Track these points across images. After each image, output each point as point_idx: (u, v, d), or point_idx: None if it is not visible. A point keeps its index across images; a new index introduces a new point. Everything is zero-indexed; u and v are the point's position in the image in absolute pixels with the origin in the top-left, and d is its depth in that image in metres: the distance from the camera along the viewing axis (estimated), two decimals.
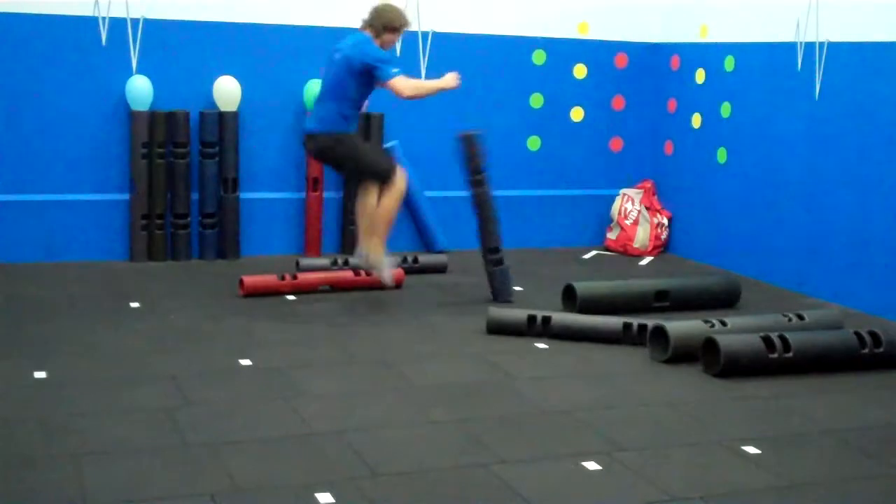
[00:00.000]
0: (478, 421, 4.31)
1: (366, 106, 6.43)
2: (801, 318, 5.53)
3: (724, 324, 5.34)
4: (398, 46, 7.67)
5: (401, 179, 6.00)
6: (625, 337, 5.50)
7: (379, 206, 5.98)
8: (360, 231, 6.15)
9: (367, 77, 5.83)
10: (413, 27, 7.69)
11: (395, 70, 5.70)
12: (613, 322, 5.60)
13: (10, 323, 5.49)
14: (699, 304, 6.28)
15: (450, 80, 5.99)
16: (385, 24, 5.83)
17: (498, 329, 5.66)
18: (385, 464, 3.81)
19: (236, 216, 7.33)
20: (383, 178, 5.98)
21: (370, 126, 7.55)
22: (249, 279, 6.27)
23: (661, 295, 6.23)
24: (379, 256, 6.04)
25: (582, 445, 4.09)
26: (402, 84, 5.75)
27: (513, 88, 8.09)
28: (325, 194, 7.48)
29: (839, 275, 6.67)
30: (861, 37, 6.51)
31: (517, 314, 5.71)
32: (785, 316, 5.56)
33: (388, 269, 6.15)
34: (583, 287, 6.13)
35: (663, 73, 8.37)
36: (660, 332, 5.28)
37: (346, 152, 5.94)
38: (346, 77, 5.80)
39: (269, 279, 6.36)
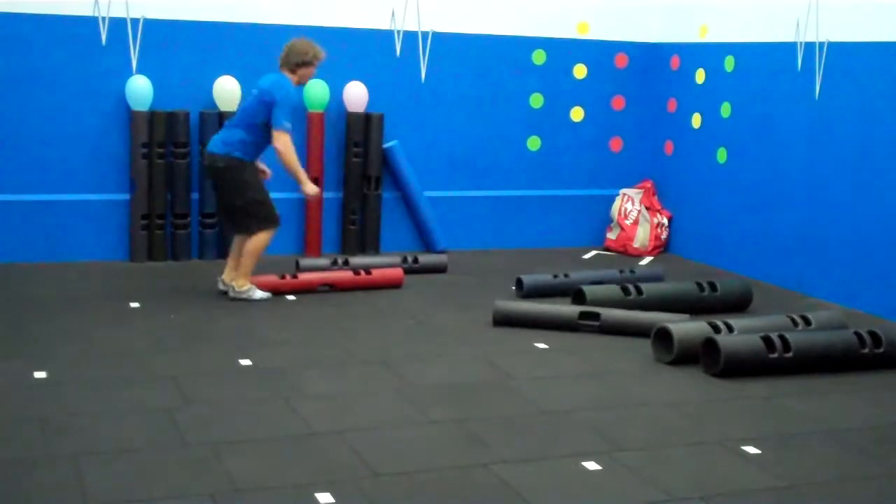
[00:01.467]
0: (478, 421, 4.31)
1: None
2: (807, 322, 5.52)
3: (730, 328, 5.33)
4: (398, 45, 7.69)
5: (271, 232, 6.18)
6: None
7: (249, 243, 6.12)
8: (227, 263, 6.32)
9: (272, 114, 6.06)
10: (413, 27, 7.73)
11: (286, 124, 5.98)
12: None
13: (10, 323, 5.49)
14: (711, 309, 6.21)
15: (311, 188, 6.29)
16: (297, 61, 6.09)
17: (506, 321, 5.78)
18: (385, 464, 3.81)
19: None
20: (263, 221, 6.14)
21: (370, 126, 7.56)
22: (253, 280, 6.27)
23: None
24: (245, 288, 6.17)
25: (582, 445, 4.09)
26: (281, 139, 5.99)
27: (513, 88, 8.09)
28: (325, 194, 7.48)
29: (839, 275, 6.67)
30: (861, 37, 6.51)
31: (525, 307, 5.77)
32: (790, 318, 5.55)
33: (258, 292, 6.22)
34: (589, 290, 6.15)
35: (663, 73, 8.37)
36: (664, 334, 5.28)
37: (241, 181, 6.09)
38: (258, 109, 6.03)
39: (271, 279, 6.36)
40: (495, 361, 5.16)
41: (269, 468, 3.74)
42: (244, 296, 6.15)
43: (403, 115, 7.78)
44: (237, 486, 3.56)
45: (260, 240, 6.13)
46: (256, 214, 6.13)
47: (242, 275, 6.16)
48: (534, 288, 6.51)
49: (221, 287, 6.27)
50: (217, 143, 6.12)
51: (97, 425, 4.07)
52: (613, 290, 6.19)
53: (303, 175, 6.24)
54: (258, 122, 6.03)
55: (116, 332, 5.40)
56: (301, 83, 6.23)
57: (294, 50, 6.11)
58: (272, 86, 6.03)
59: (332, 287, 6.51)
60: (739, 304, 6.36)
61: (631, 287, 6.19)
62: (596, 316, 5.74)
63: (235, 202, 6.14)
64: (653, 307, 6.00)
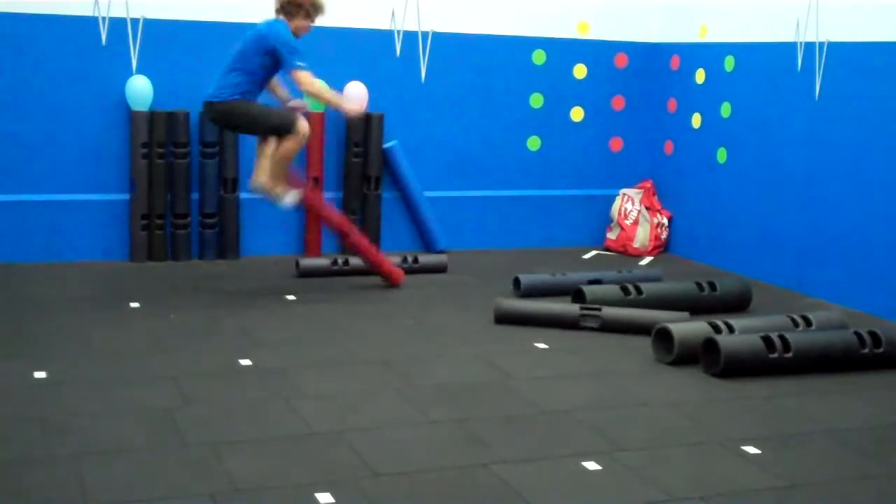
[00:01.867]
0: (478, 421, 4.31)
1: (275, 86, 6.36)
2: (807, 322, 5.52)
3: (730, 328, 5.33)
4: (398, 45, 7.69)
5: (303, 126, 6.05)
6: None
7: (279, 148, 6.06)
8: (256, 164, 6.24)
9: (272, 59, 5.95)
10: (413, 27, 7.73)
11: (300, 63, 5.82)
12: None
13: (10, 323, 5.49)
14: (710, 309, 6.23)
15: (352, 103, 6.23)
16: (300, 8, 5.91)
17: (507, 319, 5.80)
18: (385, 464, 3.81)
19: (236, 216, 7.34)
20: (284, 131, 6.04)
21: (370, 126, 7.56)
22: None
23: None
24: (277, 192, 6.18)
25: (582, 445, 4.09)
26: (304, 77, 5.86)
27: (513, 88, 8.10)
28: (325, 194, 7.48)
29: (839, 275, 6.67)
30: (861, 37, 6.51)
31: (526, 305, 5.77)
32: (790, 318, 5.55)
33: (289, 196, 6.23)
34: (590, 290, 6.16)
35: (663, 73, 8.38)
36: (664, 334, 5.28)
37: (242, 116, 6.04)
38: (253, 53, 5.92)
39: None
40: (495, 361, 5.16)
41: (269, 468, 3.74)
42: (275, 200, 6.21)
43: (403, 115, 7.78)
44: (237, 486, 3.57)
45: (286, 148, 6.04)
46: (282, 125, 6.02)
47: (276, 181, 6.14)
48: (531, 287, 6.51)
49: (256, 186, 6.24)
50: (212, 91, 6.06)
51: (97, 425, 4.08)
52: (613, 290, 6.20)
53: (339, 99, 6.23)
54: (253, 70, 5.95)
55: (116, 332, 5.40)
56: (295, 35, 5.97)
57: None
58: (269, 31, 5.89)
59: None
60: (739, 303, 6.36)
61: (631, 287, 6.19)
62: (597, 309, 5.74)
63: (253, 128, 6.14)
64: (653, 307, 5.99)
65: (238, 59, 5.99)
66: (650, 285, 6.33)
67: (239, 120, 6.09)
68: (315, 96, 6.09)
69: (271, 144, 6.11)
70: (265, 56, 5.92)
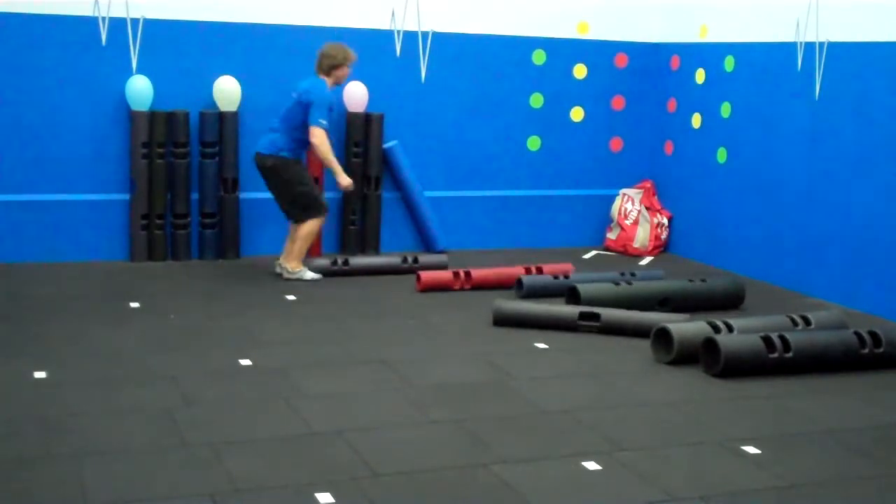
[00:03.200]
0: (478, 421, 4.31)
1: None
2: (807, 322, 5.52)
3: (730, 328, 5.33)
4: (398, 45, 7.70)
5: (320, 220, 6.80)
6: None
7: (300, 230, 6.74)
8: (285, 248, 6.90)
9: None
10: (413, 27, 7.73)
11: (321, 120, 6.54)
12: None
13: (10, 323, 5.49)
14: (702, 305, 6.26)
15: (345, 179, 6.76)
16: (329, 64, 6.63)
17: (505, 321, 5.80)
18: (385, 464, 3.81)
19: (236, 216, 7.34)
20: (310, 210, 6.74)
21: (370, 126, 7.56)
22: (426, 275, 6.67)
23: (664, 300, 6.22)
24: (297, 270, 6.81)
25: (582, 445, 4.09)
26: (318, 133, 6.55)
27: (513, 88, 8.10)
28: (326, 194, 7.47)
29: (839, 275, 6.67)
30: (861, 37, 6.51)
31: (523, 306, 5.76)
32: (790, 318, 5.55)
33: (308, 273, 6.83)
34: (584, 289, 6.15)
35: (663, 73, 8.38)
36: (663, 334, 5.28)
37: (289, 177, 6.69)
38: (296, 111, 6.61)
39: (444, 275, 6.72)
40: (495, 361, 5.16)
41: (269, 468, 3.74)
42: (296, 276, 6.78)
43: (403, 115, 7.78)
44: (237, 486, 3.57)
45: (308, 227, 6.72)
46: (304, 205, 6.71)
47: (294, 258, 6.78)
48: (533, 288, 6.51)
49: (277, 270, 6.86)
50: (264, 144, 6.69)
51: (97, 425, 4.08)
52: (606, 286, 6.22)
53: (337, 167, 6.75)
54: (298, 123, 6.59)
55: (116, 332, 5.40)
56: (337, 83, 6.78)
57: (326, 54, 6.64)
58: (308, 89, 6.58)
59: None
60: (731, 298, 6.38)
61: (621, 280, 6.23)
62: (596, 317, 5.75)
63: (285, 196, 6.75)
64: (644, 300, 6.05)
65: (284, 117, 6.65)
66: (643, 282, 6.38)
67: (278, 180, 6.71)
68: (319, 152, 6.63)
69: (301, 226, 6.74)
70: (305, 112, 6.57)
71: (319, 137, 6.55)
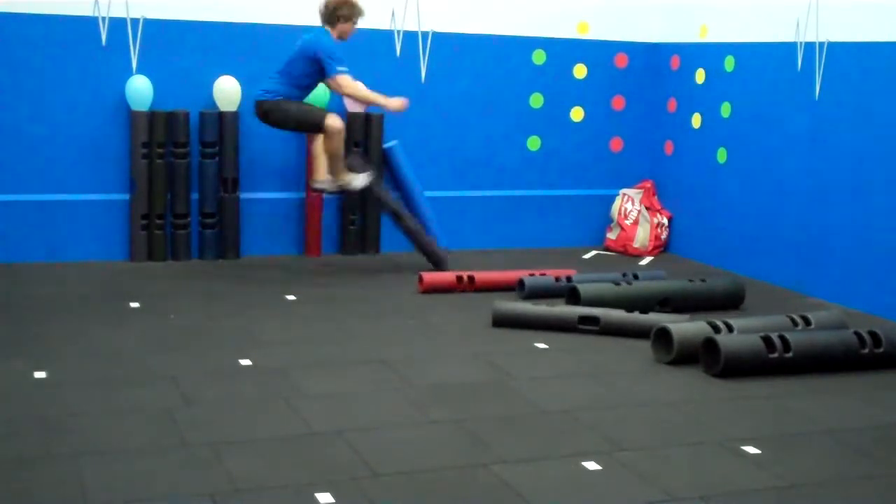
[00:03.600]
0: (478, 421, 4.31)
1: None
2: (807, 322, 5.52)
3: (730, 328, 5.33)
4: (398, 45, 7.69)
5: (333, 122, 6.48)
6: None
7: (325, 149, 6.62)
8: (313, 166, 6.87)
9: (316, 66, 6.43)
10: (413, 27, 7.73)
11: (340, 68, 6.31)
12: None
13: (10, 323, 5.49)
14: (703, 305, 6.26)
15: (395, 101, 6.62)
16: (337, 14, 6.42)
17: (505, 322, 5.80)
18: (385, 464, 3.81)
19: (236, 216, 7.33)
20: (317, 129, 6.55)
21: (370, 126, 7.56)
22: (428, 276, 6.62)
23: (664, 301, 6.22)
24: (345, 177, 6.73)
25: (582, 445, 4.09)
26: (344, 81, 6.38)
27: (513, 88, 8.10)
28: (325, 194, 7.48)
29: (839, 275, 6.67)
30: (861, 37, 6.51)
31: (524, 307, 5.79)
32: (790, 318, 5.55)
33: (358, 177, 6.78)
34: (584, 289, 6.14)
35: (663, 73, 8.38)
36: (663, 334, 5.28)
37: (281, 114, 6.51)
38: (299, 61, 6.42)
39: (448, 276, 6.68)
40: (495, 361, 5.16)
41: (269, 468, 3.74)
42: (347, 185, 6.74)
43: (403, 115, 7.77)
44: (237, 486, 3.56)
45: (330, 146, 6.54)
46: (312, 123, 6.50)
47: (339, 171, 6.67)
48: (534, 290, 6.49)
49: (318, 186, 6.84)
50: (261, 91, 6.55)
51: (97, 425, 4.08)
52: (606, 286, 6.22)
53: (381, 98, 6.59)
54: (298, 74, 6.43)
55: (116, 332, 5.40)
56: (341, 39, 6.52)
57: (331, 4, 6.43)
58: (312, 40, 6.38)
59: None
60: (731, 299, 6.38)
61: (622, 280, 6.22)
62: (595, 320, 5.72)
63: (291, 126, 6.60)
64: (644, 299, 6.04)
65: (285, 66, 6.49)
66: (644, 282, 6.38)
67: (276, 116, 6.52)
68: (357, 98, 6.56)
69: (318, 143, 6.66)
70: (309, 63, 6.39)
71: (348, 85, 6.38)
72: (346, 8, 6.41)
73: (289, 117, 6.51)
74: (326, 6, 6.46)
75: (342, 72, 6.33)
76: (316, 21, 7.28)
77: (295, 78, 6.47)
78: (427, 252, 7.12)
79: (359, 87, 6.46)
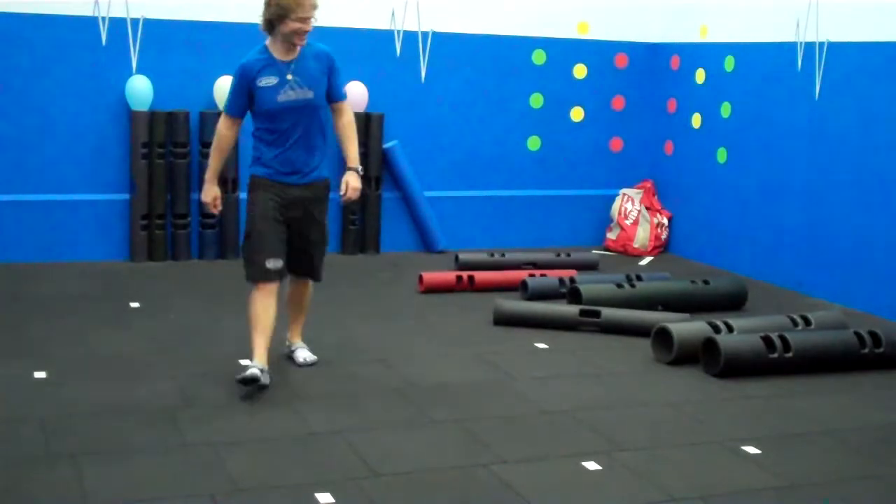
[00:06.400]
0: (478, 421, 4.30)
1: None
2: (807, 322, 5.52)
3: (730, 328, 5.33)
4: (398, 45, 7.69)
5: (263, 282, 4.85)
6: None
7: (308, 295, 5.08)
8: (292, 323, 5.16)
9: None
10: (413, 27, 7.73)
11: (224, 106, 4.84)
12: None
13: (10, 323, 5.49)
14: (705, 307, 6.25)
15: (207, 195, 5.12)
16: (266, 19, 4.58)
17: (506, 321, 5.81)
18: (385, 464, 3.81)
19: (236, 216, 7.33)
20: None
21: (370, 126, 7.56)
22: (428, 276, 6.57)
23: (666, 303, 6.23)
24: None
25: (582, 445, 4.09)
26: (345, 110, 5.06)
27: (513, 88, 8.10)
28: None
29: (839, 275, 6.67)
30: (861, 37, 6.51)
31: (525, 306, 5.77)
32: (790, 318, 5.55)
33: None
34: (586, 288, 6.15)
35: (663, 73, 8.37)
36: (664, 334, 5.28)
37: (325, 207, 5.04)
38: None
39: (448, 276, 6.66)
40: (495, 361, 5.16)
41: (269, 468, 3.74)
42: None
43: (403, 115, 7.78)
44: (237, 486, 3.56)
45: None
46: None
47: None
48: (538, 291, 6.46)
49: (291, 350, 5.07)
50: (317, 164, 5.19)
51: (97, 425, 4.07)
52: (609, 288, 6.22)
53: (208, 177, 5.18)
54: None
55: (116, 333, 5.40)
56: (290, 42, 4.59)
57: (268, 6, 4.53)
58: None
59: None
60: (734, 299, 6.37)
61: (625, 282, 6.21)
62: (597, 314, 5.75)
63: (322, 236, 5.01)
64: (647, 301, 6.04)
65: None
66: (646, 283, 6.37)
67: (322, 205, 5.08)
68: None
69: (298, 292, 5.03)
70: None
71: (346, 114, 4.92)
72: (273, 8, 4.51)
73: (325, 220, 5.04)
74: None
75: (224, 109, 4.85)
76: (322, 21, 7.31)
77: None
78: None
79: (213, 146, 5.04)
